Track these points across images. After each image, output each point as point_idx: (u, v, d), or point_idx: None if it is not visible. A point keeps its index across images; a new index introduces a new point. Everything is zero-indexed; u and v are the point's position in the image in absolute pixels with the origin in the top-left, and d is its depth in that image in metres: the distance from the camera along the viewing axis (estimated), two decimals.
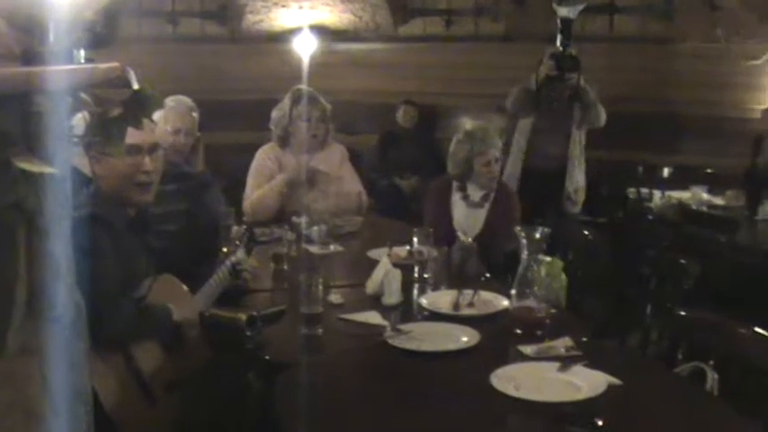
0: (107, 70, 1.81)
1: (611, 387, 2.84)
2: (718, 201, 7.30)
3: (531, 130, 7.05)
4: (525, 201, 5.81)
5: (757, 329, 3.17)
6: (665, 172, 8.56)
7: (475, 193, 5.05)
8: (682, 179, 7.84)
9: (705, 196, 7.40)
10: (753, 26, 8.63)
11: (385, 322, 3.62)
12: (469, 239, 4.51)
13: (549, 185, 6.98)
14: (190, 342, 3.49)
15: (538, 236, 3.48)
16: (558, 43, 6.67)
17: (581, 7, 6.47)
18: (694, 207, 7.21)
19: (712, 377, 3.19)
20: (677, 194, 7.51)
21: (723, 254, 6.05)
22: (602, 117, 7.02)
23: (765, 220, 6.50)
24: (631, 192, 7.85)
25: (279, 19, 9.99)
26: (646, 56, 8.85)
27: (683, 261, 4.34)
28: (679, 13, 9.14)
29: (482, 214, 5.03)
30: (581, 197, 7.15)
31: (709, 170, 8.11)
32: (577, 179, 7.10)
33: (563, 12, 6.42)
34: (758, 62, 8.60)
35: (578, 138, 7.09)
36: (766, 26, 8.55)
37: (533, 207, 5.88)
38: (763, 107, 7.85)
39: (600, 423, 2.56)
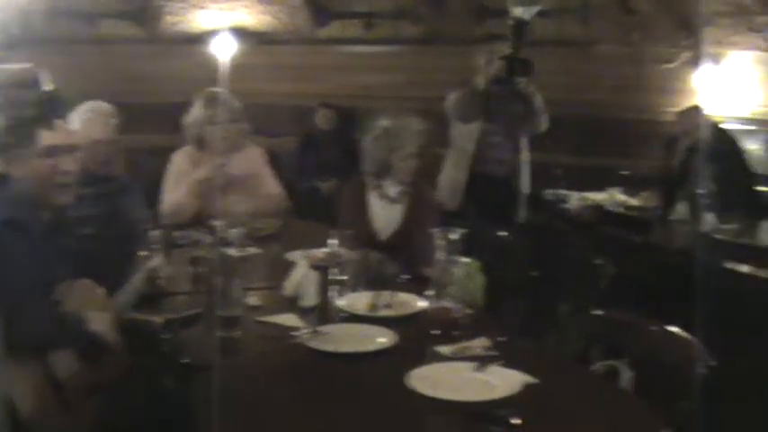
0: (18, 71, 1.79)
1: (527, 386, 2.87)
2: (634, 202, 7.43)
3: (480, 133, 6.94)
4: (473, 206, 5.79)
5: (669, 328, 3.23)
6: (582, 173, 8.64)
7: (391, 190, 5.04)
8: (598, 180, 7.94)
9: (621, 197, 7.53)
10: (667, 30, 8.79)
11: (303, 324, 3.62)
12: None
13: (500, 190, 6.92)
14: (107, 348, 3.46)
15: (454, 237, 3.51)
16: (510, 46, 6.49)
17: (537, 9, 6.35)
18: (610, 208, 7.32)
19: (627, 375, 3.24)
20: (593, 196, 7.63)
21: (638, 254, 6.14)
22: (545, 124, 6.96)
23: (679, 220, 6.61)
24: (548, 193, 7.94)
25: (197, 20, 9.94)
26: (561, 59, 8.94)
27: (598, 261, 4.39)
28: (595, 16, 9.27)
29: (399, 210, 5.01)
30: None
31: (624, 172, 8.22)
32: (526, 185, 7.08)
33: (517, 12, 6.26)
34: (671, 66, 8.77)
35: (525, 143, 7.05)
36: (680, 31, 8.72)
37: (482, 212, 5.85)
38: (675, 110, 7.97)
39: (516, 421, 2.59)
